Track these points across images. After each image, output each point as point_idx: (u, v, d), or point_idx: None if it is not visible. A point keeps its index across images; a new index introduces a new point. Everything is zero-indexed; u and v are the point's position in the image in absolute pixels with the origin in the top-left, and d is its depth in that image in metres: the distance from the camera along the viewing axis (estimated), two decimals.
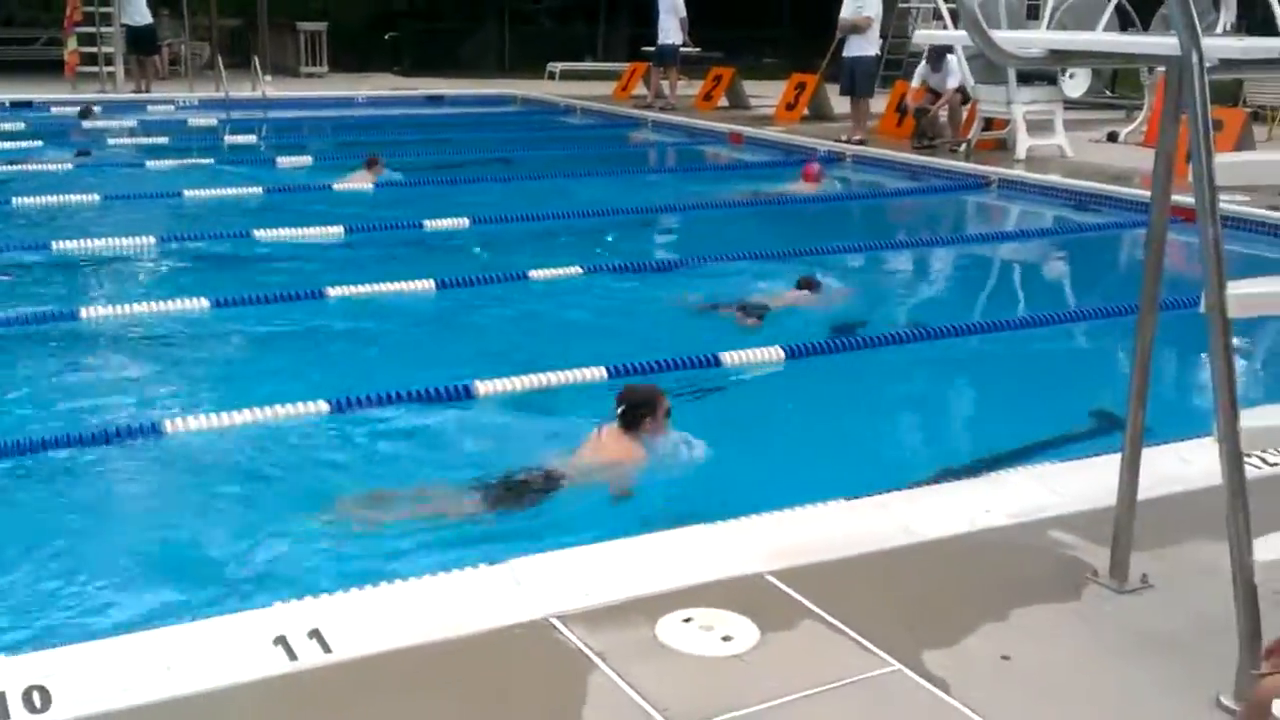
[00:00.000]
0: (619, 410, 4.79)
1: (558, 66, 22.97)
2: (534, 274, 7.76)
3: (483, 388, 5.57)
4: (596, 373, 5.80)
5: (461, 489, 4.55)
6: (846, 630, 3.14)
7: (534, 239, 9.43)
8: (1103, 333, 7.04)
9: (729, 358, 6.15)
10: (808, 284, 7.55)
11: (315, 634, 3.04)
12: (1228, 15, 3.34)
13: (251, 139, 14.61)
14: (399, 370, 6.01)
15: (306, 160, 12.83)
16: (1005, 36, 3.25)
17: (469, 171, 12.49)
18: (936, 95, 13.56)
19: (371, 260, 8.51)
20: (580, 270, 7.94)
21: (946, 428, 5.83)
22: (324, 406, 5.27)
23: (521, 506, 4.43)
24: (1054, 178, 11.74)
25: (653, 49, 17.80)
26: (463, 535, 4.19)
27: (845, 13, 14.10)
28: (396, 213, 9.90)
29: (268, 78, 18.38)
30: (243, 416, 5.12)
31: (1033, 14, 17.12)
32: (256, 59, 18.15)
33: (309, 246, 8.91)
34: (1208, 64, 2.79)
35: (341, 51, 22.93)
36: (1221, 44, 2.93)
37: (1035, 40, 3.38)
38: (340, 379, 5.74)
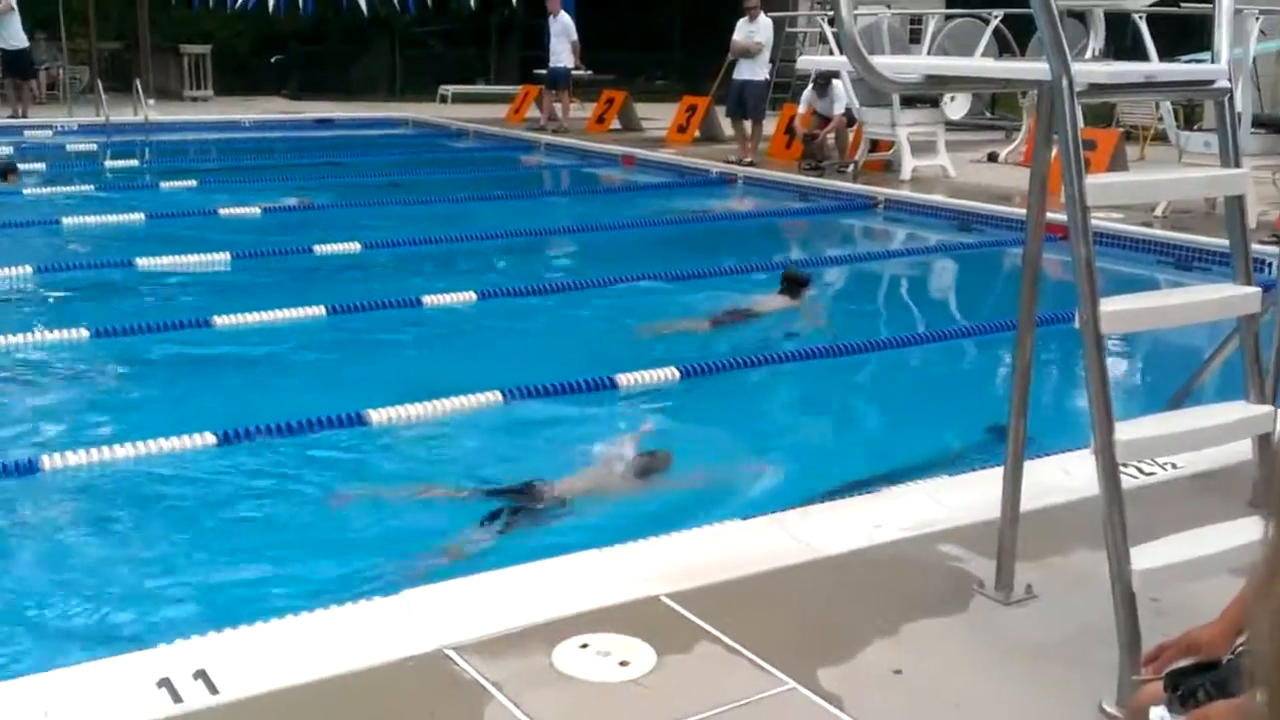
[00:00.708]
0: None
1: (449, 89, 22.86)
2: (428, 299, 7.69)
3: (376, 416, 5.50)
4: (491, 398, 5.77)
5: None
6: (742, 650, 3.16)
7: (428, 263, 9.35)
8: (989, 347, 7.21)
9: (625, 380, 6.16)
10: (795, 281, 7.80)
11: (201, 674, 2.95)
12: (1096, 41, 3.48)
13: (134, 164, 14.27)
14: (290, 400, 5.90)
15: (191, 184, 12.55)
16: (885, 63, 3.32)
17: (360, 195, 12.34)
18: (824, 120, 13.82)
19: (260, 287, 8.35)
20: (475, 295, 7.89)
21: (837, 444, 5.90)
22: (210, 439, 5.15)
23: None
24: (938, 197, 12.02)
25: (545, 72, 17.83)
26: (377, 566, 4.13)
27: (737, 36, 14.31)
28: (285, 238, 9.73)
29: (150, 102, 17.96)
30: (125, 451, 4.97)
31: (915, 37, 17.57)
32: (138, 83, 17.72)
33: (194, 274, 8.71)
34: (1078, 88, 2.89)
35: (226, 75, 22.53)
36: (1091, 69, 3.03)
37: (914, 66, 3.46)
38: (228, 410, 5.61)
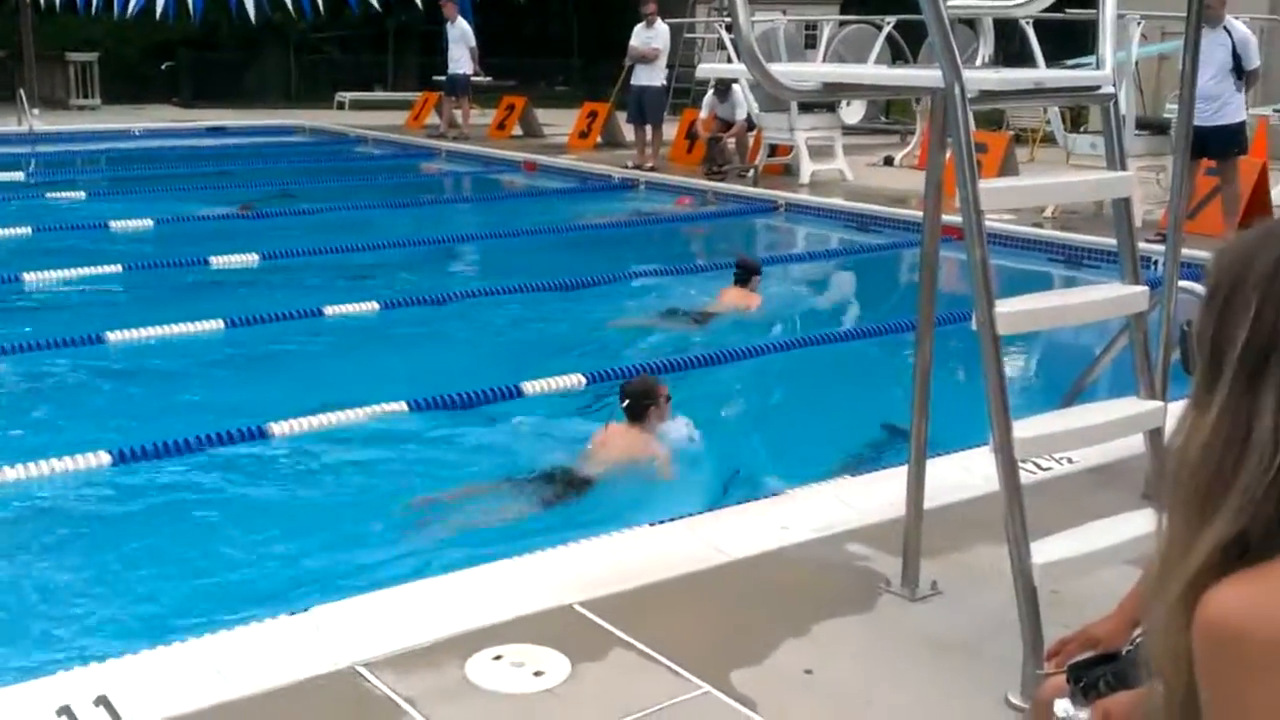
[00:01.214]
0: (623, 405, 4.97)
1: (347, 96, 22.57)
2: (330, 309, 7.58)
3: (278, 429, 5.41)
4: (396, 407, 5.71)
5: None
6: (656, 656, 3.17)
7: (328, 273, 9.21)
8: (892, 347, 7.32)
9: (530, 387, 6.14)
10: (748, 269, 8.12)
11: (103, 701, 2.88)
12: (987, 48, 3.57)
13: (18, 176, 13.80)
14: (188, 415, 5.77)
15: (80, 196, 12.20)
16: (783, 71, 3.37)
17: (257, 204, 12.11)
18: (726, 124, 13.96)
19: (155, 300, 8.15)
20: (377, 305, 7.80)
21: (742, 447, 5.92)
22: (105, 458, 5.01)
23: (539, 507, 4.60)
24: (837, 200, 12.22)
25: (444, 78, 17.71)
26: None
27: (634, 42, 14.37)
28: (179, 249, 9.51)
29: (35, 111, 17.42)
30: (14, 473, 4.81)
31: (811, 43, 17.83)
32: (22, 92, 17.17)
33: (85, 288, 8.47)
34: (970, 95, 2.96)
35: (115, 83, 21.93)
36: (981, 76, 3.11)
37: (810, 74, 3.52)
38: (124, 427, 5.47)
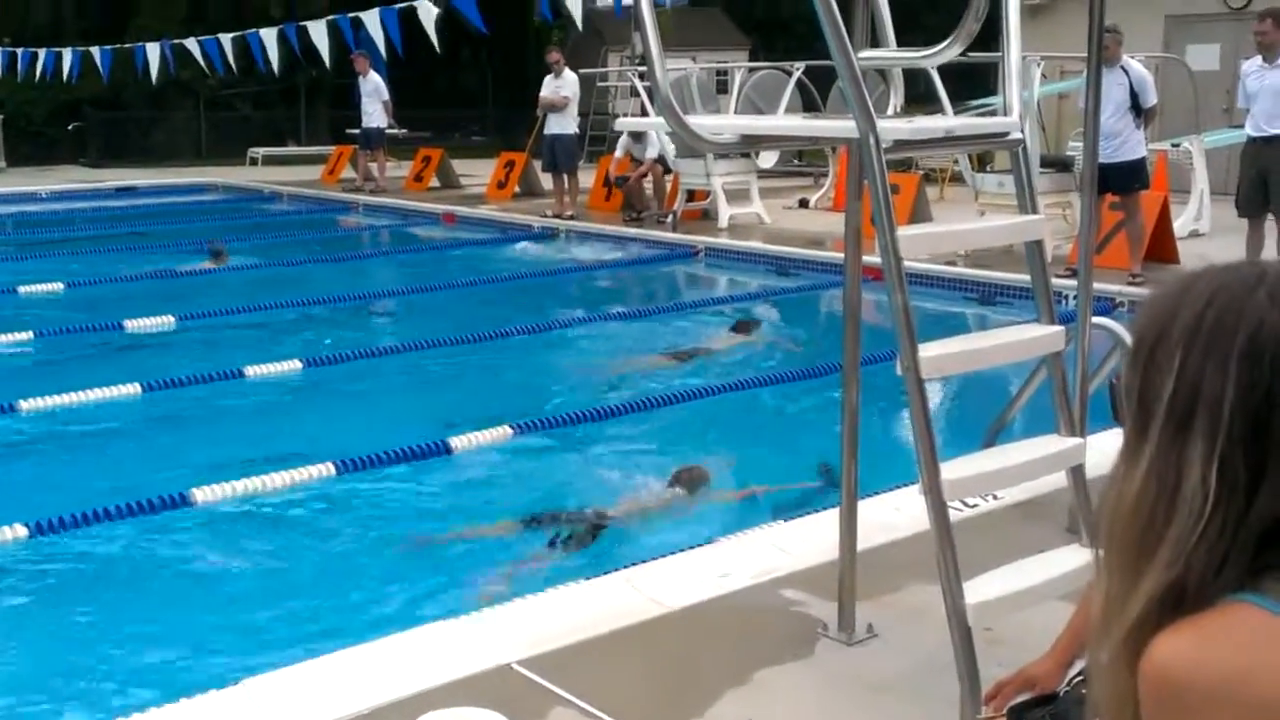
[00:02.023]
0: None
1: (259, 152, 22.37)
2: (251, 370, 7.46)
3: (200, 495, 5.30)
4: (323, 469, 5.63)
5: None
6: (597, 713, 3.15)
7: (248, 333, 9.08)
8: (818, 390, 7.38)
9: (458, 442, 6.10)
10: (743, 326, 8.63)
11: None
12: (897, 98, 3.64)
13: None
14: (106, 484, 5.63)
15: None
16: (699, 123, 3.42)
17: (170, 264, 11.91)
18: (640, 164, 14.15)
19: (68, 366, 7.96)
20: (300, 364, 7.70)
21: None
22: (22, 531, 4.87)
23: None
24: (755, 244, 12.36)
25: (358, 132, 17.65)
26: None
27: (544, 92, 14.50)
28: (92, 314, 9.32)
29: None
30: None
31: (723, 88, 18.10)
32: None
33: None
34: (884, 145, 3.03)
35: (20, 144, 21.53)
36: (895, 126, 3.18)
37: (727, 126, 3.58)
38: (40, 499, 5.32)
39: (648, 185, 14.35)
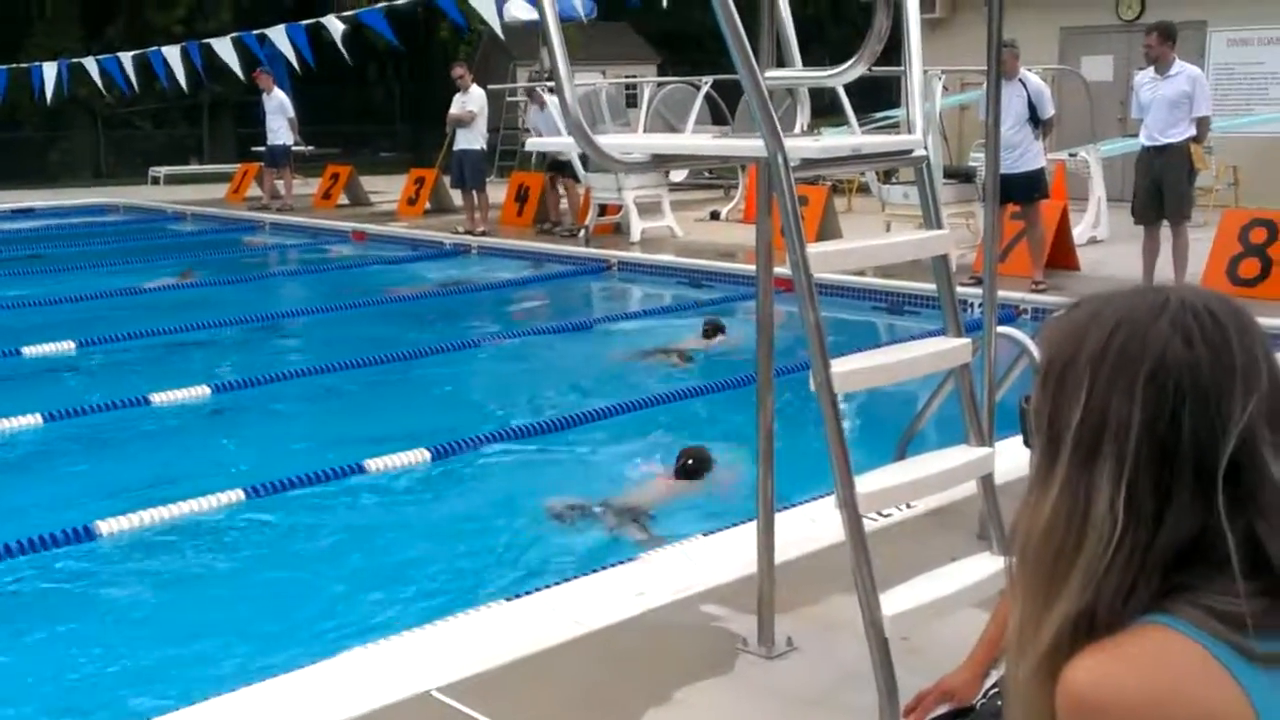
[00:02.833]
0: (686, 463, 5.97)
1: (161, 171, 21.93)
2: (156, 397, 7.28)
3: (106, 527, 5.16)
4: (233, 496, 5.52)
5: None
6: None
7: (155, 358, 8.87)
8: (731, 404, 7.42)
9: (372, 464, 6.03)
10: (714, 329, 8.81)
11: None
12: (804, 116, 3.69)
13: None
14: (3, 518, 5.45)
15: None
16: (610, 143, 3.43)
17: (71, 288, 11.58)
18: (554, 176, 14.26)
19: None
20: (209, 389, 7.53)
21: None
22: None
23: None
24: (668, 257, 12.42)
25: (263, 149, 17.39)
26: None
27: (453, 109, 14.45)
28: None
29: None
30: None
31: (632, 101, 18.14)
32: None
33: None
34: (792, 164, 3.06)
35: None
36: (803, 145, 3.22)
37: (638, 146, 3.59)
38: None
39: (563, 200, 14.42)
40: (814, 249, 3.04)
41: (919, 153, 3.44)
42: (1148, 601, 1.03)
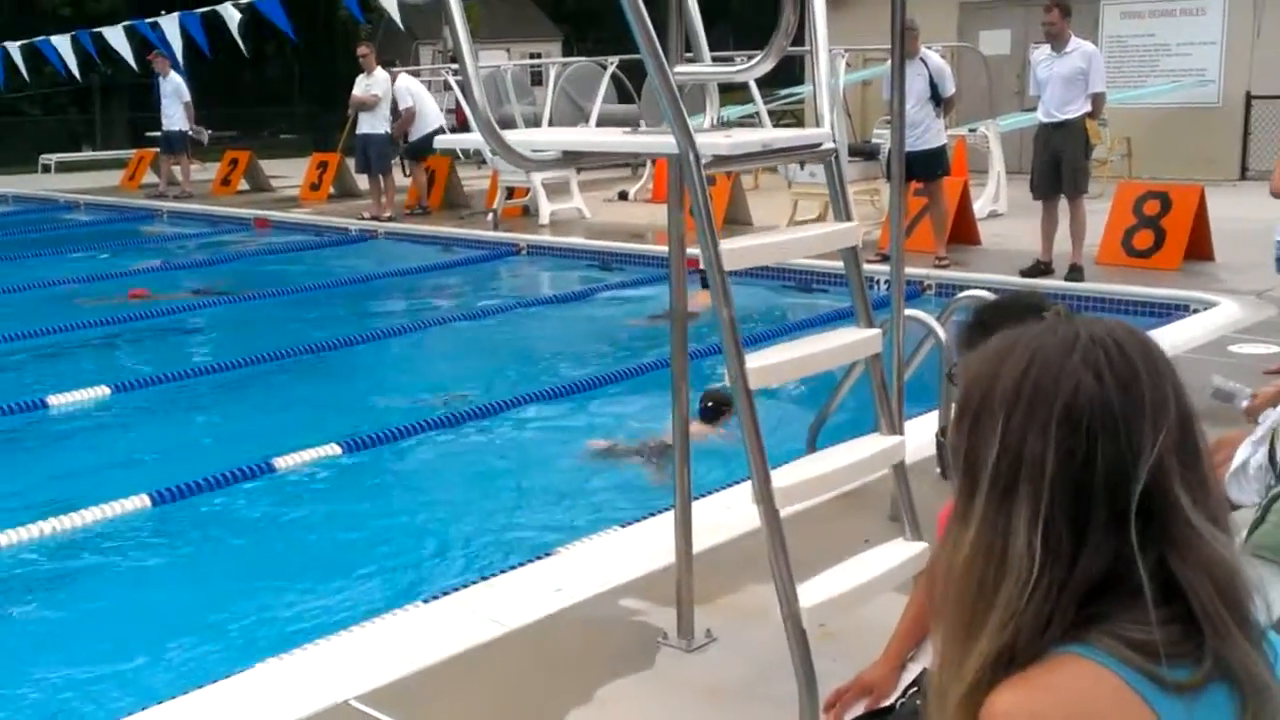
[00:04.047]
0: (708, 405, 6.25)
1: (52, 158, 21.24)
2: (53, 400, 7.06)
3: (4, 539, 4.99)
4: (138, 502, 5.38)
5: None
6: None
7: (47, 358, 8.59)
8: (650, 386, 7.38)
9: (282, 462, 5.92)
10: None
11: None
12: (713, 110, 3.68)
13: None
14: None
15: None
16: (520, 140, 3.39)
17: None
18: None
19: None
20: (109, 390, 7.31)
21: (498, 508, 5.80)
22: None
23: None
24: (577, 239, 12.38)
25: (159, 134, 16.93)
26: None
27: (356, 91, 14.21)
28: None
29: None
30: None
31: (537, 79, 18.02)
32: None
33: None
34: (703, 160, 3.06)
35: None
36: (714, 141, 3.21)
37: (550, 143, 3.55)
38: None
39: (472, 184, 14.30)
40: (727, 245, 3.04)
41: (828, 145, 3.46)
42: (1064, 631, 1.05)
